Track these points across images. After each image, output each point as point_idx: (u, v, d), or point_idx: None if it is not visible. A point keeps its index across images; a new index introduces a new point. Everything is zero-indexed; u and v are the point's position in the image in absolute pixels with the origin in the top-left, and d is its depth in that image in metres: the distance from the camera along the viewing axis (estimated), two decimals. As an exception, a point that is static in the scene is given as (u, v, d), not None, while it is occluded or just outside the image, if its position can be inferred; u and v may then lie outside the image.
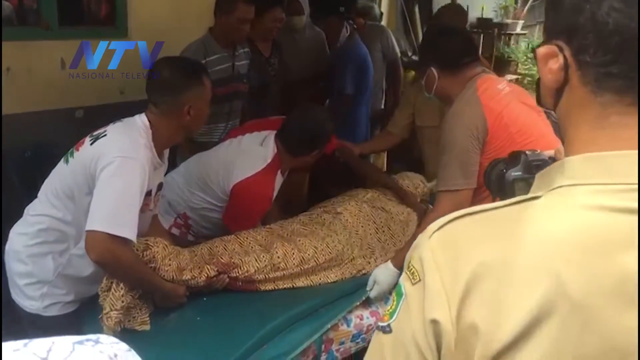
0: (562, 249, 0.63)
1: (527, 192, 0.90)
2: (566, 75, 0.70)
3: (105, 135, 1.89)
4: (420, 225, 2.24)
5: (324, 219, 2.51)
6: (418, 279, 0.70)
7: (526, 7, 11.36)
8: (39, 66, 2.98)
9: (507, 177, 0.98)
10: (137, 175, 1.80)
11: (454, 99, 2.07)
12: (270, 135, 2.50)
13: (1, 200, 2.61)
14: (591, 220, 0.63)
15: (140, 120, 1.93)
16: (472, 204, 1.99)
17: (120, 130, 1.91)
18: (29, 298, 1.96)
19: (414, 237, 2.29)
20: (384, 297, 2.18)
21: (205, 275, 2.00)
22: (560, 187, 0.68)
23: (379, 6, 6.84)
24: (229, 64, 3.05)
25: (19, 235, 1.97)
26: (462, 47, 2.13)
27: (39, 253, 1.94)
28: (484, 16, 7.56)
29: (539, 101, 0.80)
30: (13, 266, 1.97)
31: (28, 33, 2.96)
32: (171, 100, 1.92)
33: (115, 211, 1.77)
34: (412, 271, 0.71)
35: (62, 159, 1.97)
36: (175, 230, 2.50)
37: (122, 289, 1.84)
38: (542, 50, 0.72)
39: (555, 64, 0.71)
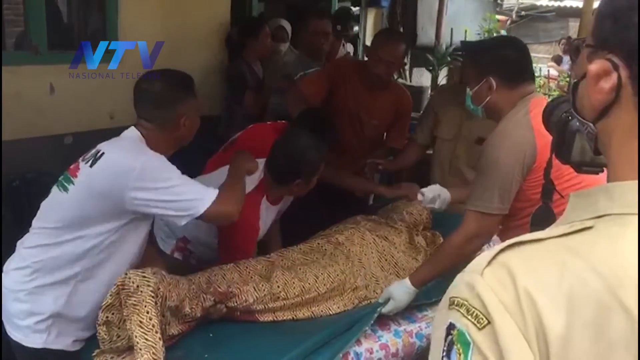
0: (632, 285, 0.60)
1: (587, 146, 0.84)
2: (617, 95, 0.66)
3: (102, 154, 1.84)
4: (445, 244, 2.15)
5: (325, 249, 2.45)
6: (486, 322, 0.63)
7: (502, 31, 11.60)
8: (27, 91, 2.90)
9: (571, 124, 0.89)
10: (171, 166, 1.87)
11: (502, 115, 1.96)
12: (262, 162, 2.42)
13: (1, 214, 2.52)
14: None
15: (132, 133, 1.91)
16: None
17: (119, 144, 1.89)
18: (35, 332, 1.85)
19: (435, 255, 2.24)
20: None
21: (201, 305, 1.93)
22: (611, 214, 0.65)
23: (364, 28, 6.92)
24: None
25: (15, 271, 1.87)
26: (525, 62, 2.02)
27: (40, 286, 1.84)
28: (467, 39, 7.66)
29: (574, 107, 0.75)
30: (11, 307, 1.87)
31: (16, 57, 2.87)
32: (165, 114, 1.91)
33: (196, 186, 1.88)
34: (474, 314, 0.64)
35: (56, 188, 1.90)
36: (177, 254, 2.45)
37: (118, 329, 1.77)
38: (594, 68, 0.68)
39: (607, 83, 0.66)
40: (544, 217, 0.97)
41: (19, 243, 1.95)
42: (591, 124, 0.71)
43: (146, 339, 1.66)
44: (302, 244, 2.53)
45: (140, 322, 1.67)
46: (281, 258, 2.36)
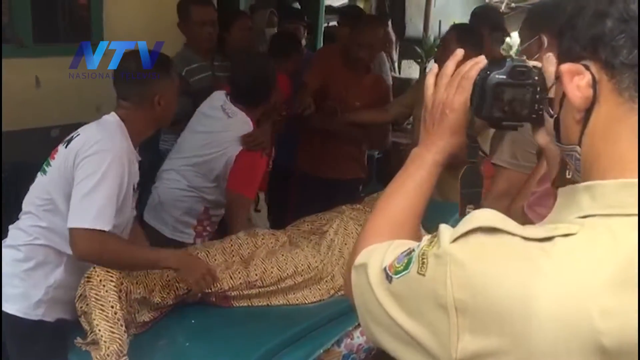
0: (598, 293, 0.58)
1: (510, 101, 0.85)
2: (595, 93, 0.66)
3: (78, 135, 1.88)
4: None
5: (310, 239, 2.48)
6: (423, 273, 0.68)
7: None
8: (12, 84, 2.90)
9: (489, 80, 0.87)
10: (114, 168, 1.78)
11: None
12: (225, 102, 2.56)
13: (1, 209, 2.53)
14: (632, 258, 0.58)
15: (111, 117, 1.93)
16: None
17: (93, 128, 1.91)
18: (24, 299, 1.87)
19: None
20: None
21: (174, 293, 1.97)
22: (593, 215, 0.63)
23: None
24: (208, 73, 3.11)
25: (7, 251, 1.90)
26: None
27: (32, 270, 1.87)
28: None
29: (558, 139, 0.74)
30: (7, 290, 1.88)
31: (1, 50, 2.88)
32: (140, 91, 1.93)
33: (96, 205, 1.73)
34: (423, 262, 0.69)
35: (40, 173, 1.93)
36: (199, 241, 2.51)
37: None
38: (565, 67, 0.68)
39: (582, 79, 0.66)
40: (472, 179, 0.96)
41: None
42: (577, 147, 0.70)
43: (112, 332, 1.71)
44: (291, 229, 2.57)
45: (106, 316, 1.73)
46: (269, 239, 2.39)
